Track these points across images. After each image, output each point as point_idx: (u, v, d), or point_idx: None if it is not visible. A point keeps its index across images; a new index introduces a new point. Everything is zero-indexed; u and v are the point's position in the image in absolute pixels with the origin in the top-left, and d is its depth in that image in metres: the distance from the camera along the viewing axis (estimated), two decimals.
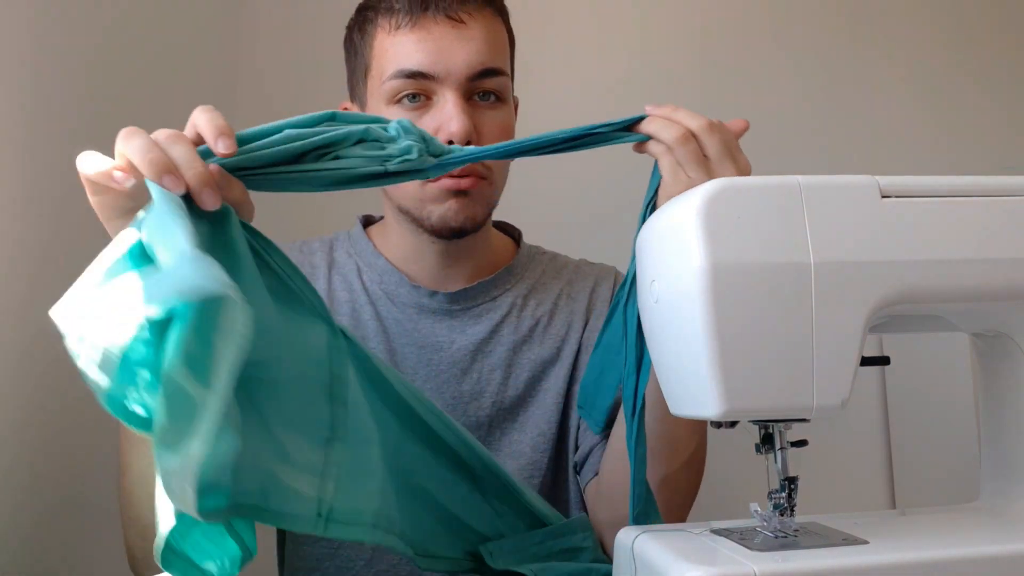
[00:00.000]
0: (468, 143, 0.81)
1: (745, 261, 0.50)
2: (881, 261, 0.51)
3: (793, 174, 0.52)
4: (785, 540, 0.54)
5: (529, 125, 1.42)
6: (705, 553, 0.51)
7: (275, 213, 1.33)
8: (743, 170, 0.67)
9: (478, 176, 0.83)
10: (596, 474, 0.86)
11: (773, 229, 0.51)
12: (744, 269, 0.50)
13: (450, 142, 0.80)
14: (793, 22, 1.53)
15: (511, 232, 1.01)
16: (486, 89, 0.83)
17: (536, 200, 1.44)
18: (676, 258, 0.53)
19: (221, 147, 0.57)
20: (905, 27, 1.56)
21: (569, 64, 1.48)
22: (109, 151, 0.59)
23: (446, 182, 0.83)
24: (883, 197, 0.52)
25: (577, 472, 0.90)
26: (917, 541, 0.54)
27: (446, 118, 0.80)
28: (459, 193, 0.83)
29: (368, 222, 0.97)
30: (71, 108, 0.95)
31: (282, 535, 0.89)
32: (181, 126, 0.61)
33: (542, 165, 1.46)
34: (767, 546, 0.52)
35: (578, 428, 0.90)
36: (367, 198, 0.91)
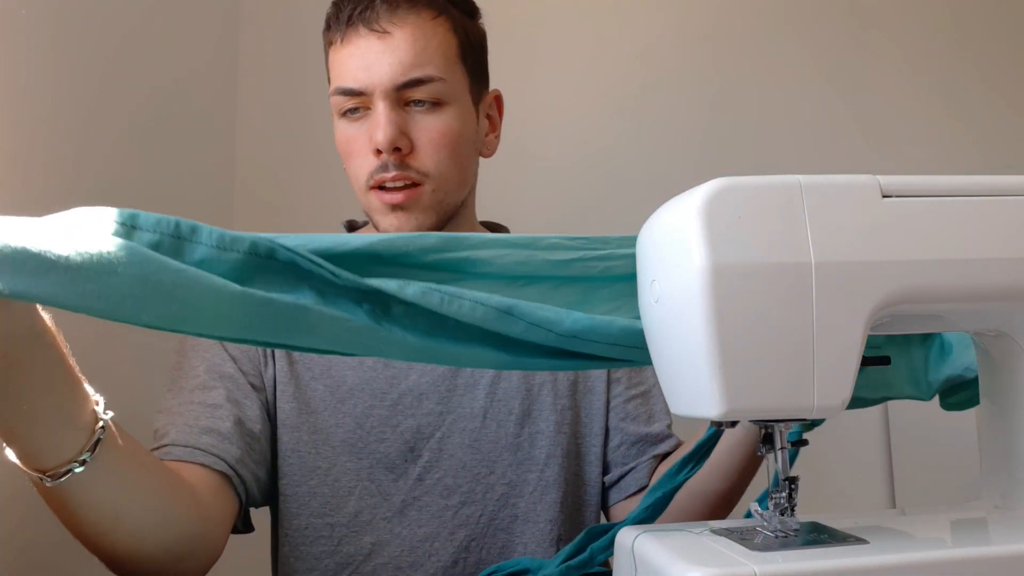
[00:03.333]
0: (397, 150, 0.82)
1: (745, 261, 0.50)
2: (882, 261, 0.51)
3: (794, 173, 0.52)
4: (785, 540, 0.53)
5: (527, 124, 1.41)
6: (705, 553, 0.51)
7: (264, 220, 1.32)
8: None
9: (413, 184, 0.84)
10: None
11: (773, 229, 0.50)
12: (744, 269, 0.50)
13: (379, 151, 0.82)
14: (793, 21, 1.54)
15: (498, 231, 1.02)
16: (417, 98, 0.84)
17: (525, 201, 1.44)
18: (676, 258, 0.53)
19: None
20: (906, 26, 1.56)
21: (567, 64, 1.48)
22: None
23: (383, 195, 0.84)
24: (884, 196, 0.52)
25: (607, 487, 0.95)
26: (917, 541, 0.54)
27: (374, 127, 0.82)
28: (395, 207, 0.84)
29: (352, 227, 0.99)
30: (70, 108, 0.95)
31: (276, 534, 0.89)
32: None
33: (533, 167, 1.46)
34: (767, 546, 0.52)
35: (604, 445, 0.94)
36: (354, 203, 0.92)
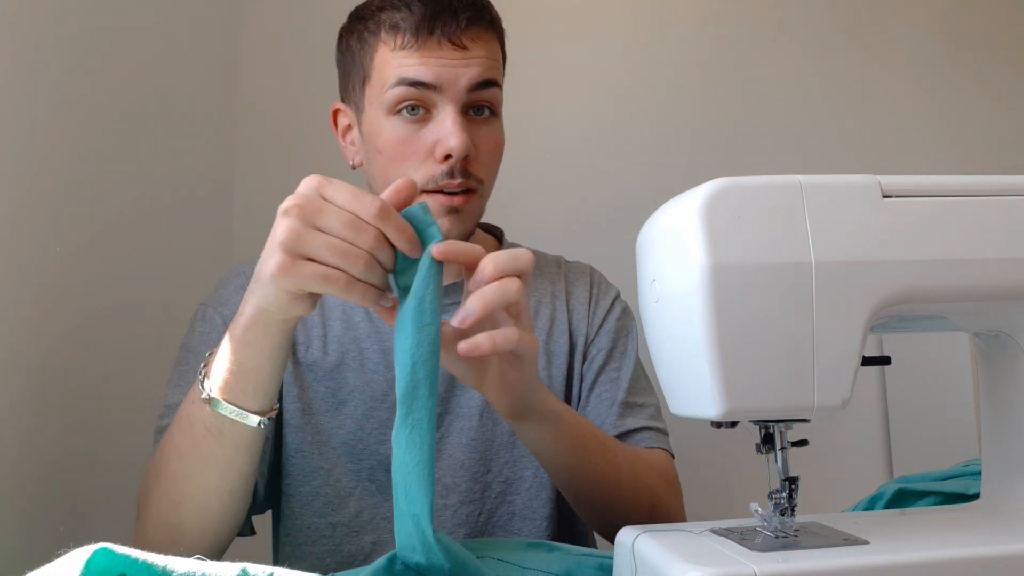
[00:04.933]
0: (466, 157, 0.83)
1: (745, 261, 0.50)
2: (882, 261, 0.51)
3: (794, 173, 0.52)
4: (785, 540, 0.53)
5: (527, 124, 1.41)
6: (705, 553, 0.51)
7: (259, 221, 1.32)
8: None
9: (471, 191, 0.85)
10: None
11: (774, 229, 0.50)
12: (744, 269, 0.50)
13: (448, 156, 0.82)
14: (794, 20, 1.53)
15: (492, 231, 1.02)
16: (482, 101, 0.85)
17: (525, 201, 1.44)
18: (676, 258, 0.53)
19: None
20: (906, 27, 1.56)
21: (566, 63, 1.48)
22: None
23: (442, 199, 0.84)
24: (884, 197, 0.52)
25: None
26: (917, 541, 0.54)
27: (445, 133, 0.82)
28: (452, 211, 0.85)
29: None
30: (70, 107, 0.95)
31: (277, 534, 0.89)
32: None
33: (533, 167, 1.45)
34: (767, 546, 0.52)
35: None
36: None
